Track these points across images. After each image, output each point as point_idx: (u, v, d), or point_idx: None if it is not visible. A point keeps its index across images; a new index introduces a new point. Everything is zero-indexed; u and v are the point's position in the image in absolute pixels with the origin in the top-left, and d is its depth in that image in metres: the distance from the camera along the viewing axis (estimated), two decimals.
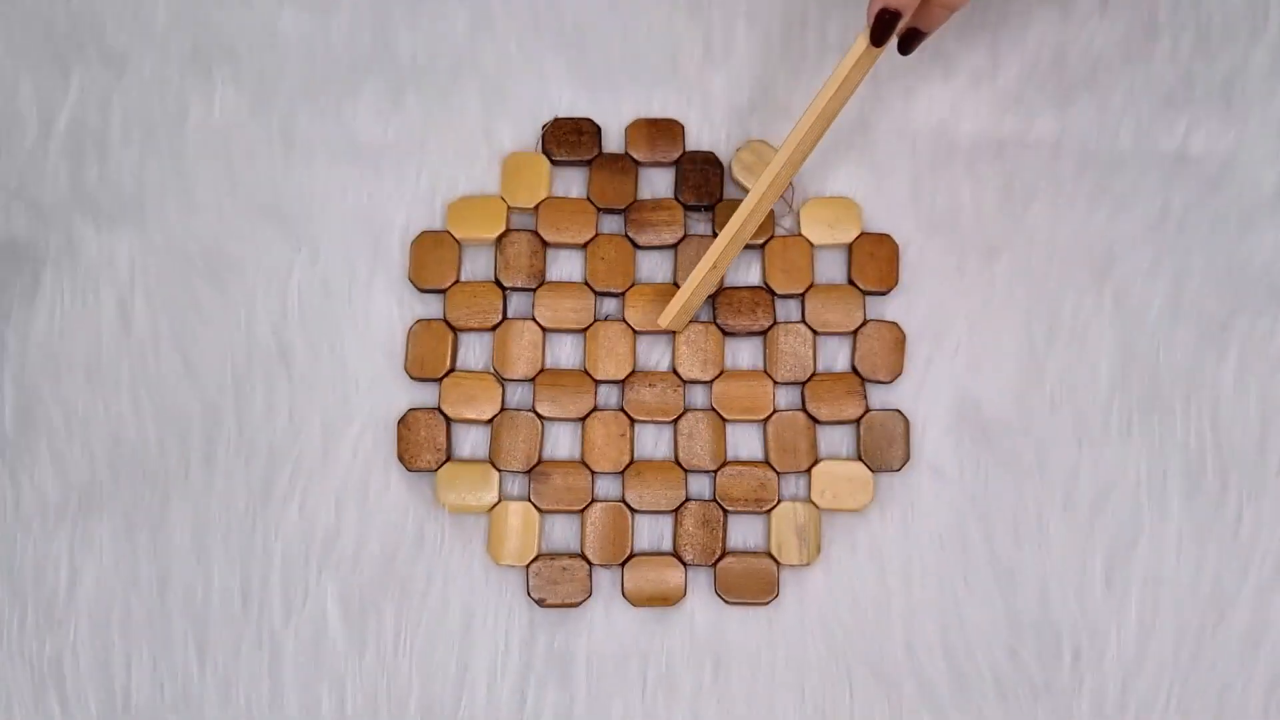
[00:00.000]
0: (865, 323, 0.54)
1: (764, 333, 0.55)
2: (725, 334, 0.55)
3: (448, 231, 0.55)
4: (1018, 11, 0.57)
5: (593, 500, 0.54)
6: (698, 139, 0.57)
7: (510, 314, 0.55)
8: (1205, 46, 0.57)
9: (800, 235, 0.55)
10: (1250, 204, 0.56)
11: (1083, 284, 0.55)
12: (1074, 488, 0.54)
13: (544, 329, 0.55)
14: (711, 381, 0.54)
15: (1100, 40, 0.57)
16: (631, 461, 0.54)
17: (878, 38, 0.47)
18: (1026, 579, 0.53)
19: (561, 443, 0.55)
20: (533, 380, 0.54)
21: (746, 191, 0.55)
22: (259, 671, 0.53)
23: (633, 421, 0.54)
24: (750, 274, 0.56)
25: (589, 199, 0.56)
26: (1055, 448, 0.54)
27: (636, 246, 0.56)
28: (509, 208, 0.56)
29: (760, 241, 0.55)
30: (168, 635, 0.53)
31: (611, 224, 0.56)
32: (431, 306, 0.56)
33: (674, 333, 0.54)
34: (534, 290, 0.55)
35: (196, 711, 0.52)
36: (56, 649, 0.53)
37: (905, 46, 0.50)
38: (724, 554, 0.53)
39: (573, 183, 0.56)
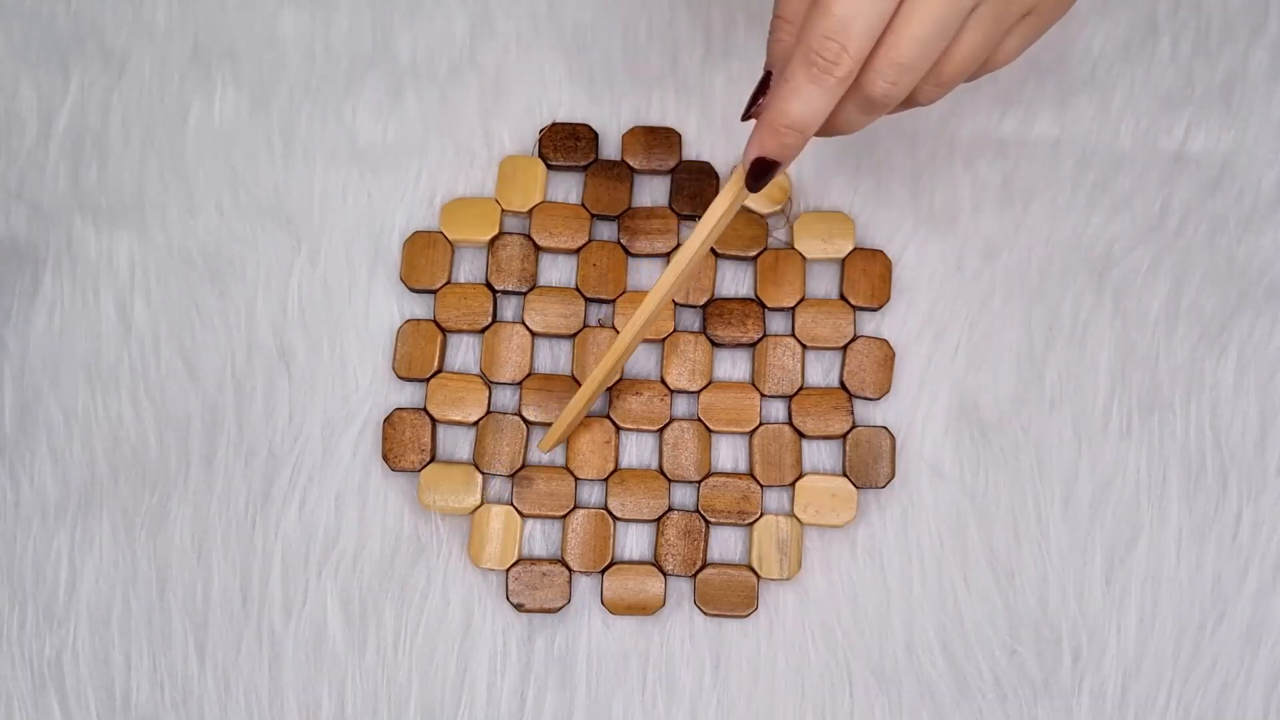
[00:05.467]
0: (855, 338, 0.54)
1: (753, 345, 0.55)
2: (714, 345, 0.55)
3: (440, 232, 0.55)
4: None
5: (575, 507, 0.53)
6: (697, 140, 0.57)
7: (500, 317, 0.55)
8: (1205, 46, 0.57)
9: (793, 248, 0.55)
10: (1250, 204, 0.56)
11: (1082, 284, 0.55)
12: (1074, 487, 0.54)
13: (533, 333, 0.55)
14: (699, 392, 0.54)
15: (1100, 40, 0.57)
16: (616, 469, 0.54)
17: (754, 185, 0.44)
18: (1026, 579, 0.53)
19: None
20: (520, 384, 0.54)
21: (745, 209, 0.55)
22: (259, 671, 0.53)
23: (618, 429, 0.54)
24: (741, 286, 0.56)
25: (583, 204, 0.56)
26: (1055, 448, 0.54)
27: (629, 254, 0.55)
28: (503, 210, 0.56)
29: (753, 254, 0.55)
30: (168, 635, 0.53)
31: (605, 230, 0.56)
32: (425, 307, 0.56)
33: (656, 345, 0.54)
34: (524, 294, 0.55)
35: (196, 711, 0.52)
36: (56, 649, 0.53)
37: (755, 183, 0.44)
38: (704, 565, 0.53)
39: (568, 188, 0.56)
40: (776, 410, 0.55)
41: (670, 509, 0.53)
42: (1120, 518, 0.53)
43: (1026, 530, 0.53)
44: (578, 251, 0.55)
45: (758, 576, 0.53)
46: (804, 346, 0.55)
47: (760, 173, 0.43)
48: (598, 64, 0.57)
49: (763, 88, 0.43)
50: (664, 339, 0.54)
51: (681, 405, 0.55)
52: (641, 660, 0.53)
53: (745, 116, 0.44)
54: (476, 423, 0.54)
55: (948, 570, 0.53)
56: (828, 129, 0.43)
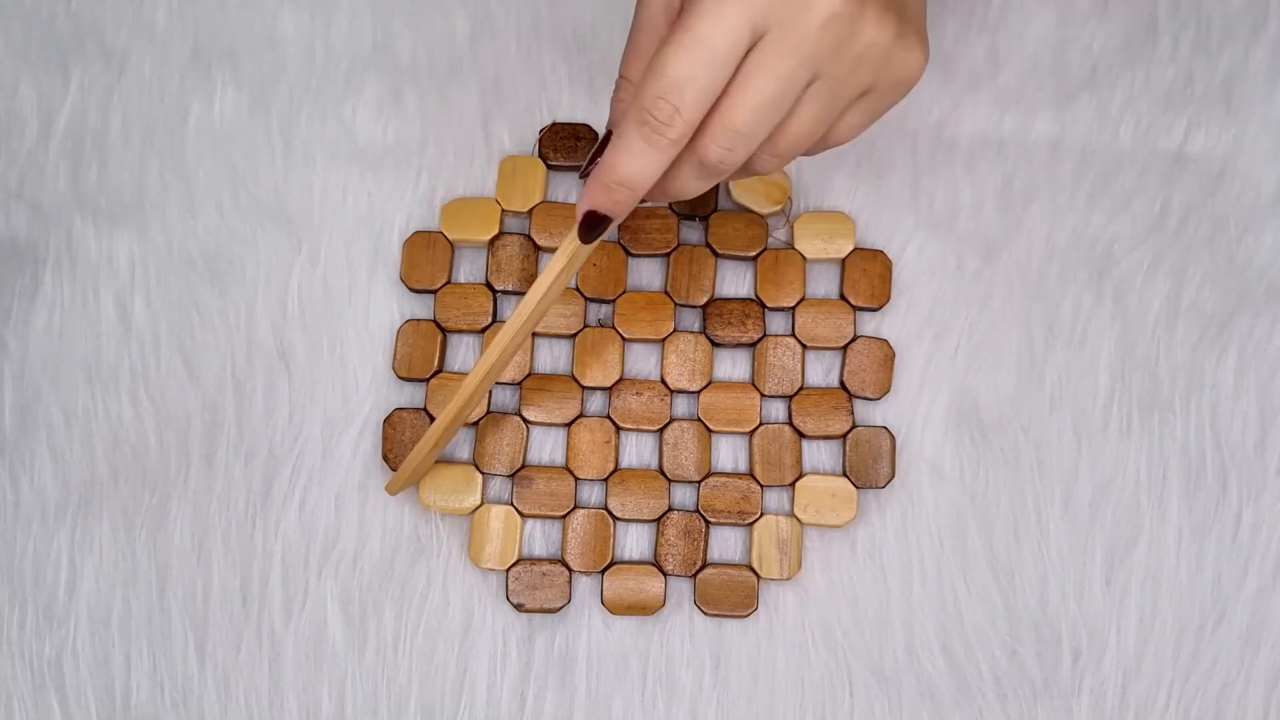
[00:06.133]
0: (855, 338, 0.54)
1: (753, 345, 0.55)
2: (714, 345, 0.55)
3: (440, 232, 0.55)
4: (1018, 11, 0.57)
5: (575, 506, 0.54)
6: None
7: (500, 317, 0.55)
8: (1205, 46, 0.57)
9: (793, 248, 0.55)
10: (1250, 204, 0.56)
11: (1082, 284, 0.55)
12: (1074, 487, 0.54)
13: (533, 333, 0.55)
14: (699, 392, 0.54)
15: (1100, 40, 0.57)
16: (616, 469, 0.54)
17: (585, 237, 0.44)
18: (1026, 579, 0.53)
19: (546, 448, 0.54)
20: (520, 384, 0.54)
21: (744, 209, 0.55)
22: (259, 671, 0.53)
23: (618, 429, 0.54)
24: (741, 286, 0.56)
25: None
26: (1055, 448, 0.54)
27: (629, 254, 0.55)
28: (503, 210, 0.56)
29: (753, 254, 0.55)
30: (168, 635, 0.53)
31: None
32: (425, 307, 0.56)
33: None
34: (524, 294, 0.55)
35: (196, 711, 0.52)
36: (56, 649, 0.53)
37: (587, 235, 0.44)
38: (704, 565, 0.53)
39: (568, 188, 0.56)
40: (776, 410, 0.55)
41: (670, 509, 0.53)
42: (1120, 518, 0.53)
43: (1026, 530, 0.53)
44: None
45: (758, 576, 0.53)
46: (804, 346, 0.55)
47: (591, 225, 0.43)
48: (598, 64, 0.57)
49: (602, 146, 0.43)
50: (664, 339, 0.54)
51: (681, 405, 0.55)
52: (641, 660, 0.53)
53: (583, 174, 0.44)
54: (476, 423, 0.54)
55: (948, 570, 0.53)
56: (664, 192, 0.43)
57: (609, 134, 0.43)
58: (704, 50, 0.38)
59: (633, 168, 0.40)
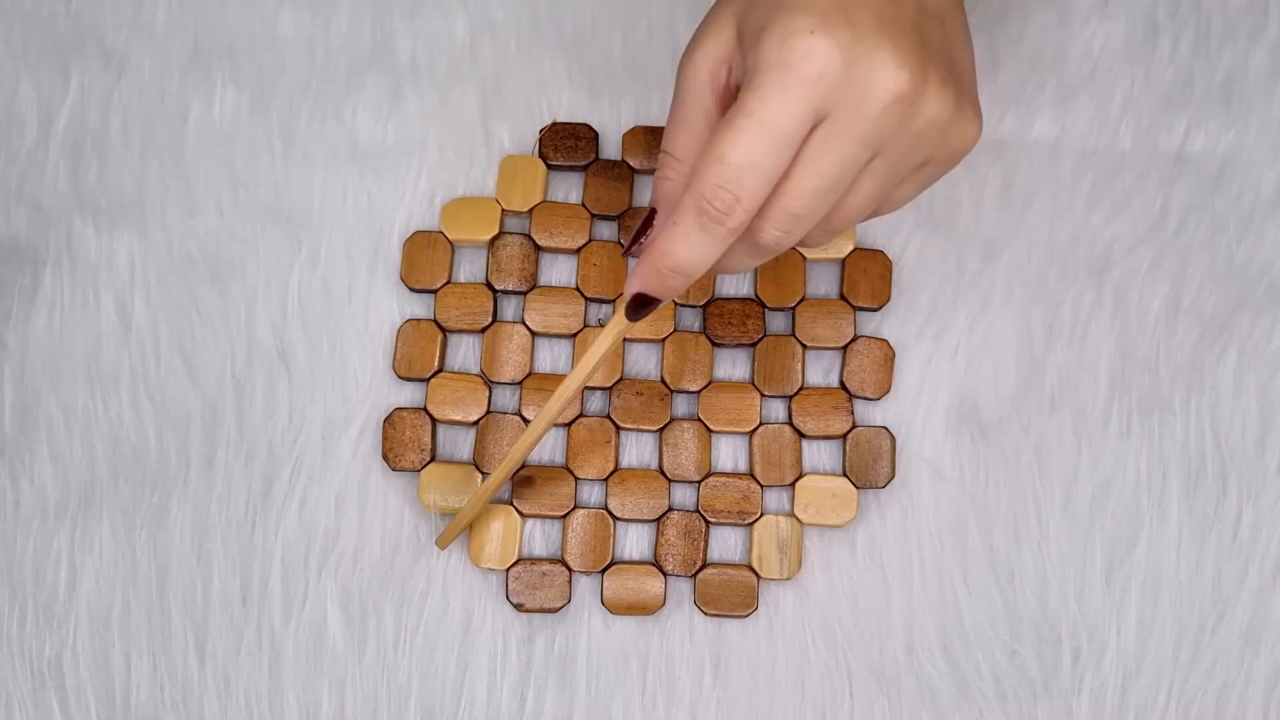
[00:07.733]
0: (855, 339, 0.54)
1: (753, 345, 0.55)
2: (714, 344, 0.55)
3: (440, 232, 0.55)
4: (1017, 11, 0.57)
5: (575, 507, 0.54)
6: None
7: (500, 317, 0.55)
8: (1205, 46, 0.57)
9: (793, 248, 0.55)
10: (1250, 204, 0.56)
11: (1082, 284, 0.55)
12: (1074, 488, 0.54)
13: (533, 333, 0.55)
14: (699, 392, 0.54)
15: (1100, 40, 0.57)
16: (616, 469, 0.54)
17: (633, 315, 0.43)
18: (1026, 579, 0.53)
19: (546, 448, 0.54)
20: (520, 384, 0.54)
21: None
22: (259, 671, 0.53)
23: (618, 429, 0.54)
24: (741, 286, 0.56)
25: (583, 204, 0.56)
26: (1055, 448, 0.54)
27: (628, 255, 0.55)
28: (503, 210, 0.56)
29: None
30: (168, 635, 0.53)
31: (605, 230, 0.56)
32: (425, 307, 0.56)
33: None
34: (525, 294, 0.55)
35: (196, 711, 0.52)
36: (56, 649, 0.53)
37: (635, 314, 0.43)
38: (704, 565, 0.53)
39: (568, 188, 0.56)
40: (776, 410, 0.55)
41: (670, 509, 0.53)
42: (1120, 518, 0.53)
43: (1026, 530, 0.53)
44: (578, 251, 0.55)
45: (758, 576, 0.53)
46: (804, 346, 0.55)
47: (640, 305, 0.42)
48: (598, 64, 0.57)
49: (647, 224, 0.43)
50: (664, 339, 0.54)
51: (681, 405, 0.55)
52: (641, 660, 0.53)
53: (626, 252, 0.43)
54: (476, 423, 0.54)
55: (948, 570, 0.53)
56: (713, 270, 0.43)
57: (653, 212, 0.42)
58: (766, 136, 0.37)
59: (689, 254, 0.40)
